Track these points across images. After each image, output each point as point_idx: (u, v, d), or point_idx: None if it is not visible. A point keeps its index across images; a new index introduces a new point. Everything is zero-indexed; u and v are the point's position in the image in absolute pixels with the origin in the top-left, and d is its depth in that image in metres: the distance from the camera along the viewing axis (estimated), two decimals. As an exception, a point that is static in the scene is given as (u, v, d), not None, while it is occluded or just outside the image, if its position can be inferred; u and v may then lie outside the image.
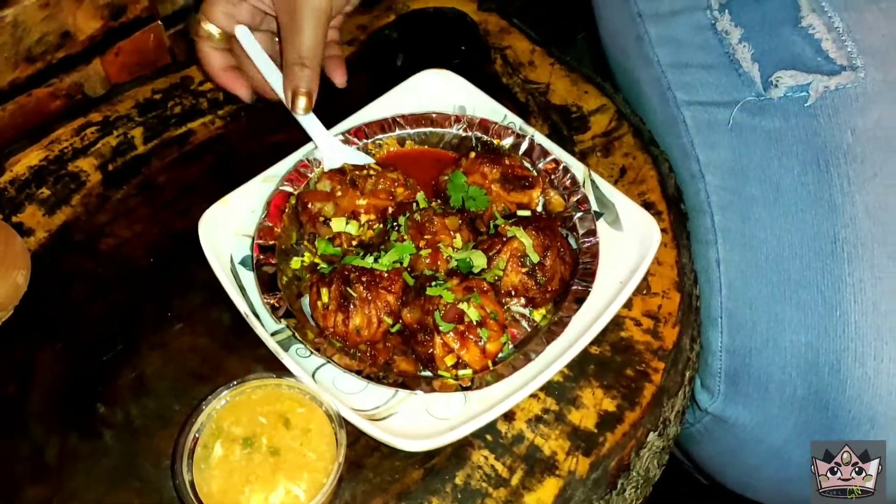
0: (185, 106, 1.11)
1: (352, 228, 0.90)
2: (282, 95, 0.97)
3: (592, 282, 0.89)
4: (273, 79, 0.99)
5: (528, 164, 0.99)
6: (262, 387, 0.78)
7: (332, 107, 1.01)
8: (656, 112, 1.13)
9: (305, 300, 0.89)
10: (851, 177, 0.91)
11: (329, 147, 0.99)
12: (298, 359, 0.83)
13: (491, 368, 0.82)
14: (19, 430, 0.82)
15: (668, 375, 0.88)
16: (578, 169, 0.98)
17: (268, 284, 0.87)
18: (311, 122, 0.99)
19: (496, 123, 1.02)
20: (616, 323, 0.91)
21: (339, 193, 0.91)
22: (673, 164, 1.07)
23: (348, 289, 0.82)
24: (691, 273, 0.97)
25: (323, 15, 0.92)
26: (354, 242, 0.91)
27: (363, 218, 0.91)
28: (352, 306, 0.82)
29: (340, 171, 0.94)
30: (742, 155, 1.00)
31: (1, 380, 0.85)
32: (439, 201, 0.96)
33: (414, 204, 0.94)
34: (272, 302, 0.85)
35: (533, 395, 0.85)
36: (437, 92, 1.07)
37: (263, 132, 1.08)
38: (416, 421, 0.80)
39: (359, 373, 0.81)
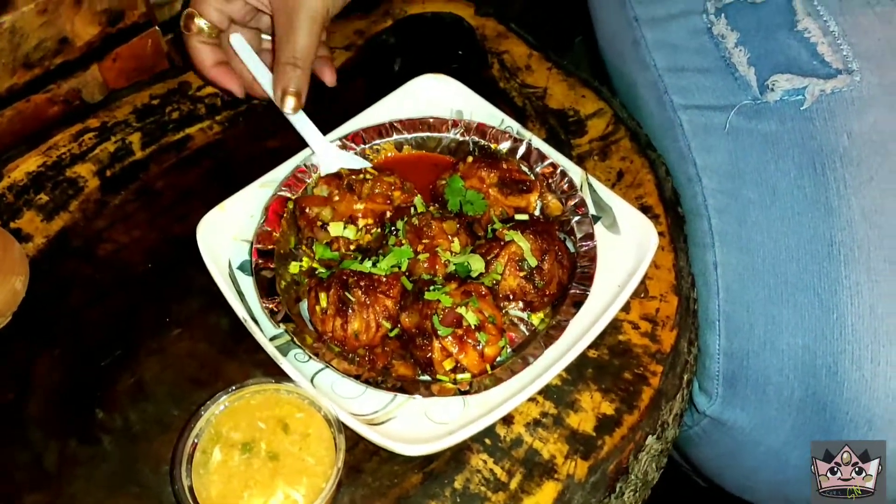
0: (183, 111, 1.11)
1: (349, 233, 0.90)
2: (272, 95, 0.98)
3: (590, 285, 0.89)
4: (265, 81, 1.00)
5: (525, 169, 0.99)
6: (260, 392, 0.78)
7: (329, 112, 1.02)
8: (653, 116, 1.13)
9: (304, 305, 0.89)
10: (848, 180, 0.91)
11: (325, 152, 0.99)
12: (297, 363, 0.83)
13: (489, 372, 0.82)
14: (18, 436, 0.82)
15: (665, 379, 0.88)
16: (576, 173, 0.98)
17: (266, 289, 0.87)
18: (307, 128, 0.99)
19: (493, 128, 1.02)
20: (614, 326, 0.91)
21: (337, 198, 0.92)
22: (670, 167, 1.07)
23: (347, 293, 0.83)
24: (689, 276, 0.98)
25: (319, 19, 0.93)
26: (352, 247, 0.91)
27: (361, 222, 0.91)
28: (350, 311, 0.82)
29: (338, 176, 0.94)
30: (739, 158, 1.00)
31: (-1, 386, 0.85)
32: (437, 206, 0.96)
33: (412, 208, 0.94)
34: (271, 307, 0.85)
35: (531, 399, 0.85)
36: (434, 96, 1.07)
37: (261, 137, 1.09)
38: (415, 425, 0.80)
39: (357, 377, 0.81)
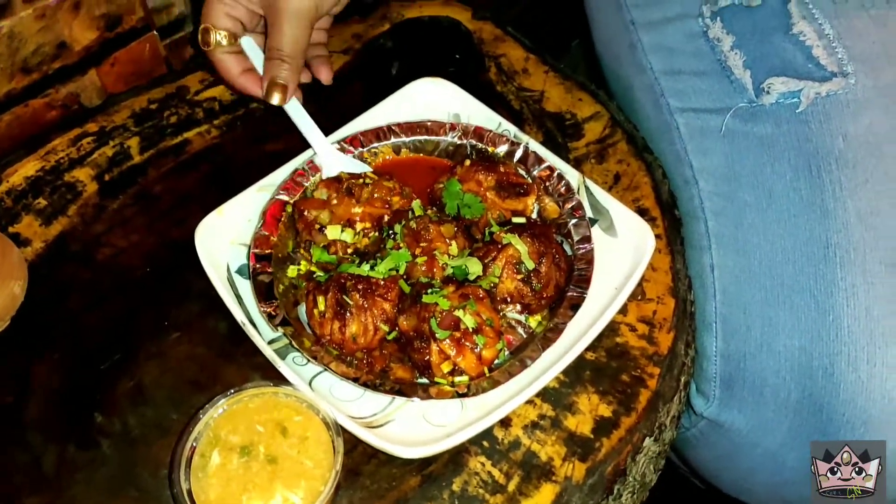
0: (181, 115, 1.11)
1: (347, 236, 0.90)
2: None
3: (587, 288, 0.89)
4: None
5: (522, 172, 0.99)
6: (259, 395, 0.79)
7: (327, 115, 1.02)
8: (650, 119, 1.14)
9: (302, 308, 0.89)
10: (843, 182, 0.91)
11: (328, 154, 0.99)
12: (295, 367, 0.83)
13: (487, 375, 0.83)
14: (17, 439, 0.82)
15: (663, 381, 0.88)
16: (573, 176, 0.99)
17: (264, 293, 0.87)
18: (310, 129, 1.00)
19: (491, 131, 1.03)
20: (611, 329, 0.91)
21: (335, 202, 0.92)
22: (667, 170, 1.08)
23: (345, 297, 0.83)
24: (686, 278, 0.98)
25: (304, 14, 0.94)
26: (350, 250, 0.91)
27: (358, 226, 0.91)
28: (348, 314, 0.83)
29: (337, 180, 0.95)
30: (735, 161, 1.00)
31: (-2, 390, 0.85)
32: (435, 209, 0.96)
33: (409, 212, 0.94)
34: (269, 310, 0.85)
35: (529, 402, 0.85)
36: (431, 100, 1.07)
37: (259, 141, 1.09)
38: (413, 428, 0.80)
39: (355, 380, 0.81)
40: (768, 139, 0.97)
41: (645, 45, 1.15)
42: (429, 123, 1.04)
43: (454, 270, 0.88)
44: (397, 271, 0.88)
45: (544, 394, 0.86)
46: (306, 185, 0.97)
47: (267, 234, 0.92)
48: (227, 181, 0.99)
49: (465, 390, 0.81)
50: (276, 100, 0.97)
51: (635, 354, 0.90)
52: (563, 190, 0.97)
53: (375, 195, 0.93)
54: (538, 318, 0.90)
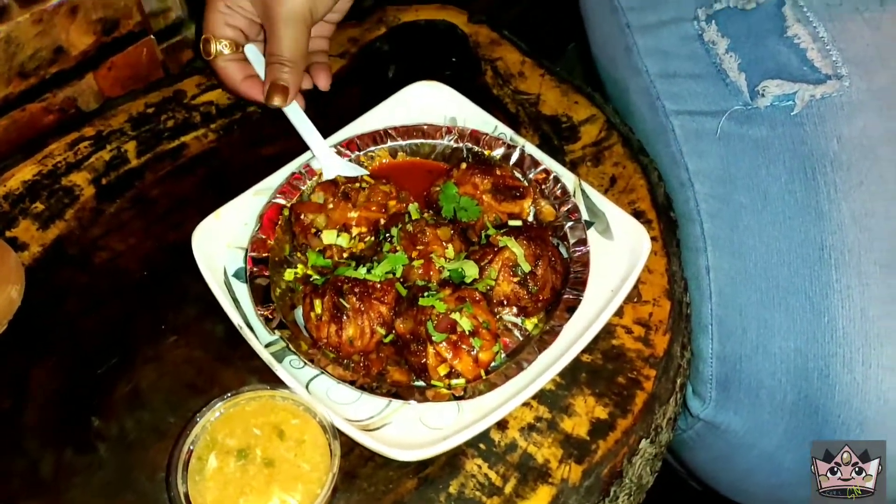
0: (178, 119, 1.12)
1: (342, 241, 0.91)
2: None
3: (584, 290, 0.89)
4: None
5: (518, 175, 0.99)
6: (256, 398, 0.79)
7: (324, 119, 1.02)
8: (645, 121, 1.14)
9: (299, 312, 0.89)
10: (838, 184, 0.92)
11: (327, 158, 1.00)
12: (292, 370, 0.83)
13: (483, 377, 0.83)
14: (15, 443, 0.82)
15: (659, 383, 0.88)
16: (569, 179, 0.99)
17: (261, 296, 0.87)
18: (310, 134, 1.00)
19: (487, 134, 1.03)
20: (607, 331, 0.91)
21: (331, 206, 0.92)
22: (662, 172, 1.08)
23: (341, 300, 0.83)
24: (681, 281, 0.98)
25: (300, 18, 0.94)
26: (345, 255, 0.91)
27: (354, 230, 0.91)
28: (345, 317, 0.83)
29: (333, 183, 0.95)
30: (730, 163, 1.01)
31: (-5, 394, 0.85)
32: (431, 212, 0.96)
33: (406, 215, 0.95)
34: (266, 314, 0.85)
35: (525, 404, 0.85)
36: (428, 103, 1.08)
37: (256, 145, 1.09)
38: (410, 431, 0.81)
39: (352, 383, 0.81)
40: (763, 142, 0.98)
41: (640, 49, 1.15)
42: (425, 127, 1.04)
43: (451, 273, 0.88)
44: (394, 274, 0.88)
45: (541, 396, 0.86)
46: (303, 188, 0.97)
47: (264, 237, 0.92)
48: (223, 185, 0.99)
49: (462, 393, 0.81)
50: (277, 102, 0.97)
51: (631, 357, 0.90)
52: (559, 193, 0.98)
53: (371, 199, 0.93)
54: (534, 320, 0.90)
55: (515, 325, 0.90)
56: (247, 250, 0.91)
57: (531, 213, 0.98)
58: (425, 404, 0.81)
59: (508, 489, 0.80)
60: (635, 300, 0.94)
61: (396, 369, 0.86)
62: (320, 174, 1.00)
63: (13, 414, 0.84)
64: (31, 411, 0.84)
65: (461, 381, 0.82)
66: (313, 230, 0.91)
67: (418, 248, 0.89)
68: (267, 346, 0.84)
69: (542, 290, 0.88)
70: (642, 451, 0.86)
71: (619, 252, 0.93)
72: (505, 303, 0.89)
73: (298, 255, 0.94)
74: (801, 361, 0.91)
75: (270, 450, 0.76)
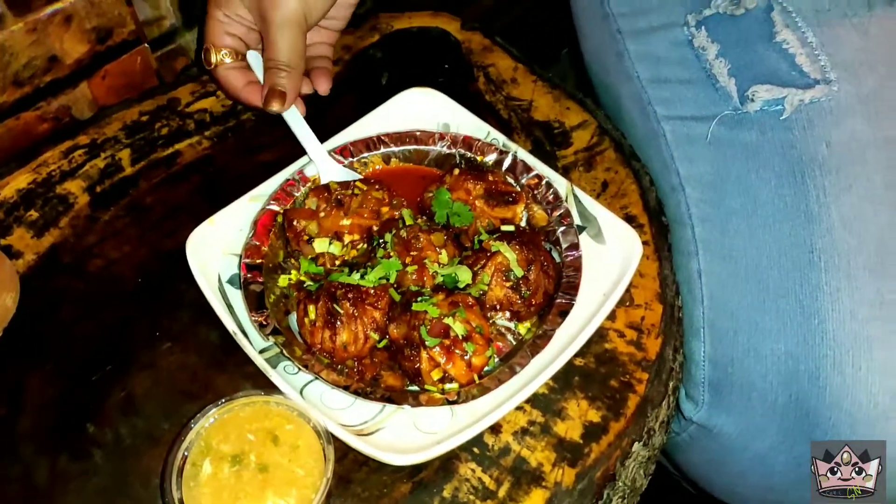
0: (172, 127, 1.12)
1: (335, 249, 0.91)
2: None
3: (576, 295, 0.90)
4: None
5: (511, 180, 1.00)
6: (250, 404, 0.79)
7: (318, 125, 1.03)
8: (637, 127, 1.15)
9: (293, 317, 0.90)
10: (827, 188, 0.93)
11: (325, 163, 1.00)
12: (286, 376, 0.84)
13: (477, 382, 0.83)
14: (10, 451, 0.82)
15: (651, 386, 0.89)
16: (561, 184, 1.00)
17: (255, 302, 0.88)
18: (308, 139, 1.01)
19: (479, 140, 1.04)
20: (600, 335, 0.92)
21: (323, 214, 0.92)
22: (654, 177, 1.09)
23: (335, 305, 0.84)
24: (673, 284, 0.99)
25: (294, 24, 0.95)
26: (338, 262, 0.92)
27: (346, 238, 0.92)
28: (339, 323, 0.83)
29: (326, 189, 0.95)
30: (721, 168, 1.02)
31: (-9, 402, 0.86)
32: (425, 218, 0.97)
33: (400, 221, 0.95)
34: (260, 320, 0.86)
35: (519, 408, 0.86)
36: (421, 110, 1.08)
37: (250, 152, 1.10)
38: (404, 435, 0.81)
39: (346, 388, 0.82)
40: (753, 146, 0.98)
41: (632, 54, 1.16)
42: (418, 133, 1.05)
43: (444, 278, 0.89)
44: (387, 280, 0.89)
45: (534, 400, 0.87)
46: (297, 194, 0.98)
47: (258, 244, 0.93)
48: (217, 192, 1.00)
49: (455, 397, 0.81)
50: (275, 107, 0.97)
51: (624, 360, 0.90)
52: (551, 198, 0.98)
53: (364, 205, 0.94)
54: (527, 324, 0.91)
55: (508, 329, 0.91)
56: (241, 256, 0.92)
57: (524, 219, 0.99)
58: (419, 409, 0.82)
59: (502, 493, 0.81)
60: (627, 304, 0.95)
61: (390, 374, 0.86)
62: (314, 180, 1.00)
63: (8, 420, 0.84)
64: (26, 418, 0.84)
65: (455, 385, 0.83)
66: (306, 237, 0.92)
67: (412, 253, 0.90)
68: (261, 351, 0.85)
69: (535, 294, 0.89)
70: (635, 454, 0.87)
71: (611, 256, 0.94)
72: (498, 307, 0.90)
73: (292, 261, 0.94)
74: (792, 364, 0.92)
75: (265, 455, 0.76)
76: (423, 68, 1.22)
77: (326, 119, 1.06)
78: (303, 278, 0.92)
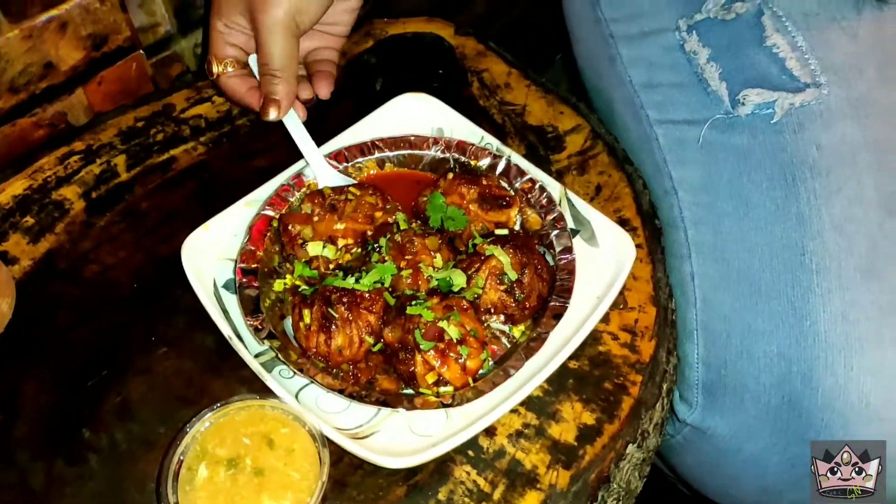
0: (168, 133, 1.13)
1: (328, 253, 0.92)
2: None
3: (570, 298, 0.90)
4: None
5: (505, 184, 1.01)
6: (245, 408, 0.79)
7: (312, 130, 1.03)
8: (630, 131, 1.16)
9: (288, 322, 0.90)
10: (818, 190, 0.93)
11: (321, 168, 1.01)
12: (282, 380, 0.84)
13: (471, 385, 0.83)
14: (5, 456, 0.82)
15: (645, 388, 0.90)
16: (554, 188, 1.00)
17: (251, 307, 0.88)
18: (306, 144, 1.01)
19: (473, 145, 1.04)
20: (594, 337, 0.92)
21: (317, 218, 0.93)
22: (647, 181, 1.09)
23: (330, 309, 0.84)
24: (666, 287, 0.99)
25: (283, 27, 0.94)
26: (331, 266, 0.92)
27: (340, 242, 0.92)
28: (333, 327, 0.84)
29: (320, 194, 0.96)
30: (712, 171, 1.02)
31: (-14, 407, 0.86)
32: (419, 222, 0.97)
33: (394, 225, 0.96)
34: (255, 324, 0.86)
35: (513, 411, 0.86)
36: (415, 115, 1.09)
37: (245, 158, 1.10)
38: (399, 438, 0.81)
39: (341, 392, 0.82)
40: (744, 149, 0.99)
41: (624, 59, 1.17)
42: (412, 138, 1.05)
43: (439, 282, 0.89)
44: (382, 284, 0.89)
45: (528, 402, 0.87)
46: (291, 200, 0.98)
47: (253, 248, 0.93)
48: (213, 197, 1.00)
49: (450, 400, 0.82)
50: (271, 116, 0.98)
51: (618, 362, 0.91)
52: (544, 201, 0.99)
53: (358, 210, 0.94)
54: (521, 327, 0.91)
55: (503, 332, 0.91)
56: (236, 261, 0.92)
57: (517, 222, 1.00)
58: (414, 412, 0.82)
59: (497, 495, 0.81)
60: (621, 307, 0.96)
61: (385, 378, 0.86)
62: (309, 185, 1.01)
63: (4, 426, 0.84)
64: (22, 423, 0.85)
65: (449, 388, 0.83)
66: (300, 241, 0.92)
67: (406, 257, 0.90)
68: (256, 356, 0.85)
69: (529, 297, 0.89)
70: (629, 456, 0.87)
71: (604, 259, 0.94)
72: (492, 311, 0.90)
73: (287, 265, 0.95)
74: (785, 365, 0.92)
75: (260, 459, 0.76)
76: (417, 73, 1.22)
77: (321, 124, 1.06)
78: (298, 283, 0.92)
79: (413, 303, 0.85)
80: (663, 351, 0.93)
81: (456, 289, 0.89)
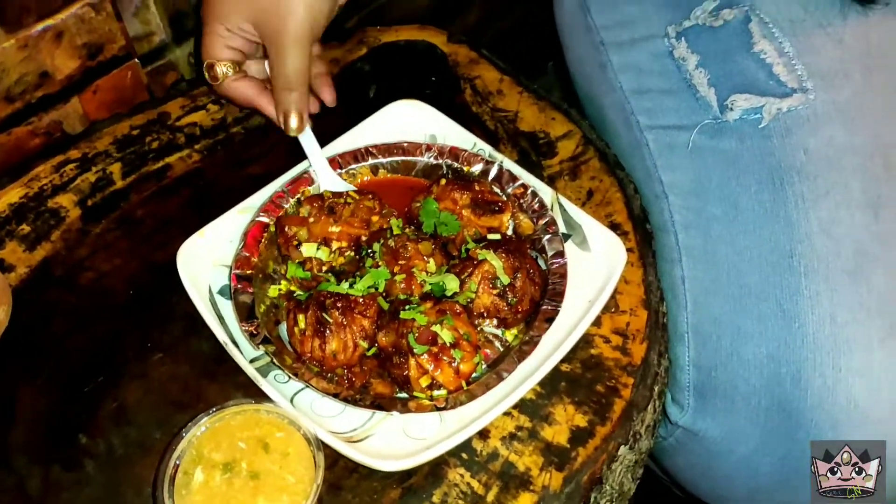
0: (163, 141, 1.13)
1: (322, 254, 0.92)
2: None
3: (562, 301, 0.91)
4: None
5: (497, 190, 1.02)
6: (241, 413, 0.80)
7: (307, 138, 1.04)
8: (621, 136, 1.17)
9: (283, 327, 0.91)
10: (805, 194, 0.95)
11: (326, 175, 1.02)
12: (277, 384, 0.85)
13: (465, 388, 0.84)
14: (3, 462, 0.83)
15: (637, 390, 0.90)
16: (546, 193, 1.01)
17: (246, 313, 0.89)
18: (312, 148, 1.02)
19: (466, 151, 1.05)
20: (586, 341, 0.93)
21: (312, 220, 0.94)
22: (637, 185, 1.10)
23: (324, 314, 0.85)
24: (658, 290, 1.00)
25: (305, 40, 0.95)
26: (325, 268, 0.93)
27: (334, 245, 0.93)
28: (328, 331, 0.84)
29: (319, 198, 0.97)
30: (702, 175, 1.03)
31: (-17, 414, 0.86)
32: (412, 227, 0.98)
33: (388, 231, 0.97)
34: (250, 329, 0.87)
35: (506, 413, 0.87)
36: (408, 122, 1.10)
37: (239, 165, 1.11)
38: (393, 442, 0.82)
39: (336, 396, 0.83)
40: (733, 154, 1.00)
41: (615, 65, 1.18)
42: (406, 144, 1.06)
43: (432, 287, 0.90)
44: (376, 289, 0.90)
45: (521, 405, 0.88)
46: (286, 206, 0.99)
47: (248, 255, 0.94)
48: (208, 205, 1.01)
49: (444, 404, 0.83)
50: (294, 128, 0.99)
51: (609, 365, 0.92)
52: (537, 207, 1.00)
53: (356, 214, 0.95)
54: (514, 331, 0.92)
55: (496, 336, 0.92)
56: (231, 268, 0.93)
57: (510, 227, 1.01)
58: (408, 415, 0.83)
59: (491, 497, 0.82)
60: (612, 310, 0.96)
61: (379, 382, 0.87)
62: (303, 192, 1.01)
63: (1, 432, 0.85)
64: (19, 429, 0.85)
65: (443, 392, 0.84)
66: (295, 242, 0.93)
67: (400, 262, 0.91)
68: (252, 361, 0.86)
69: (521, 301, 0.90)
70: (622, 458, 0.88)
71: (596, 263, 0.95)
72: (485, 314, 0.91)
73: (282, 270, 0.96)
74: (774, 367, 0.93)
75: (256, 463, 0.77)
76: (410, 81, 1.23)
77: (315, 131, 1.07)
78: (293, 288, 0.93)
79: (407, 307, 0.86)
80: (654, 354, 0.94)
81: (449, 293, 0.90)
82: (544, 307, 0.91)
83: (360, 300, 0.87)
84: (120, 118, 1.16)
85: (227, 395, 0.87)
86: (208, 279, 0.93)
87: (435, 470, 0.83)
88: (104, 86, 1.19)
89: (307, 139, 1.02)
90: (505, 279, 0.89)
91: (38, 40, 1.06)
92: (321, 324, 0.85)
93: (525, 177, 1.03)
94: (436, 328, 0.84)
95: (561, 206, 1.01)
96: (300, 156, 1.03)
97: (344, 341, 0.85)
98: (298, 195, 1.01)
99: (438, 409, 0.83)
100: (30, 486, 0.81)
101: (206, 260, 0.94)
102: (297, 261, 0.93)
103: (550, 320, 0.90)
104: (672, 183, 1.07)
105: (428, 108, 1.11)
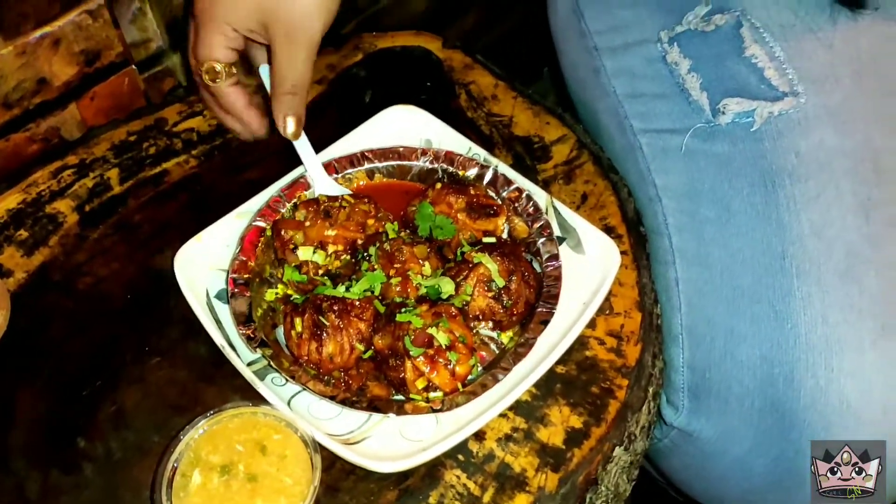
0: (160, 146, 1.14)
1: (318, 258, 0.93)
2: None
3: (556, 304, 0.92)
4: None
5: (492, 193, 1.02)
6: (238, 415, 0.80)
7: (302, 143, 1.05)
8: (614, 140, 1.18)
9: (280, 330, 0.91)
10: (797, 196, 0.95)
11: (321, 180, 1.03)
12: (274, 387, 0.85)
13: (461, 390, 0.85)
14: (1, 466, 0.83)
15: (631, 391, 0.91)
16: (541, 196, 1.02)
17: (243, 316, 0.89)
18: (308, 154, 1.03)
19: (461, 155, 1.06)
20: (580, 343, 0.94)
21: (308, 223, 0.95)
22: (631, 189, 1.11)
23: (321, 317, 0.85)
24: (651, 292, 1.01)
25: (315, 46, 0.94)
26: (321, 272, 0.94)
27: (330, 248, 0.94)
28: (324, 334, 0.85)
29: (315, 201, 0.97)
30: (695, 178, 1.04)
31: (-18, 418, 0.87)
32: (408, 231, 0.99)
33: (384, 234, 0.97)
34: (247, 333, 0.87)
35: (502, 415, 0.87)
36: (404, 126, 1.10)
37: (236, 170, 1.12)
38: (390, 443, 0.83)
39: (333, 398, 0.83)
40: (725, 157, 1.01)
41: (608, 70, 1.19)
42: (401, 149, 1.07)
43: (428, 290, 0.91)
44: (372, 292, 0.91)
45: (517, 407, 0.88)
46: (282, 210, 1.00)
47: (245, 259, 0.94)
48: (205, 209, 1.01)
49: (440, 405, 0.83)
50: (291, 133, 0.97)
51: (604, 367, 0.92)
52: (531, 210, 1.01)
53: (351, 218, 0.96)
54: (509, 333, 0.93)
55: (491, 338, 0.93)
56: (228, 272, 0.94)
57: (505, 231, 1.01)
58: (404, 417, 0.83)
59: (487, 498, 0.82)
60: (607, 312, 0.97)
61: (376, 384, 0.88)
62: (300, 197, 1.02)
63: (0, 435, 0.85)
64: (17, 433, 0.85)
65: (439, 394, 0.85)
66: (291, 246, 0.93)
67: (396, 265, 0.92)
68: (249, 364, 0.86)
69: (517, 304, 0.91)
70: (617, 459, 0.89)
71: (590, 266, 0.96)
72: (480, 317, 0.92)
73: (279, 274, 0.96)
74: (767, 368, 0.94)
75: (253, 465, 0.77)
76: (405, 86, 1.24)
77: (311, 136, 1.07)
78: (289, 291, 0.94)
79: (402, 310, 0.86)
80: (649, 355, 0.95)
81: (445, 296, 0.90)
82: (539, 310, 0.92)
83: (357, 303, 0.87)
84: (117, 124, 1.16)
85: (224, 398, 0.88)
86: (205, 283, 0.94)
87: (431, 471, 0.84)
88: (101, 92, 1.19)
89: (303, 144, 1.03)
90: (500, 282, 0.90)
91: (35, 47, 1.07)
92: (318, 327, 0.85)
93: (520, 181, 1.03)
94: (432, 331, 0.84)
95: (555, 209, 1.01)
96: (296, 161, 1.04)
97: (340, 344, 0.86)
98: (295, 199, 1.01)
99: (434, 410, 0.83)
100: (28, 490, 0.82)
101: (203, 264, 0.95)
102: (293, 264, 0.94)
103: (545, 322, 0.90)
104: (665, 186, 1.08)
105: (423, 114, 1.11)
